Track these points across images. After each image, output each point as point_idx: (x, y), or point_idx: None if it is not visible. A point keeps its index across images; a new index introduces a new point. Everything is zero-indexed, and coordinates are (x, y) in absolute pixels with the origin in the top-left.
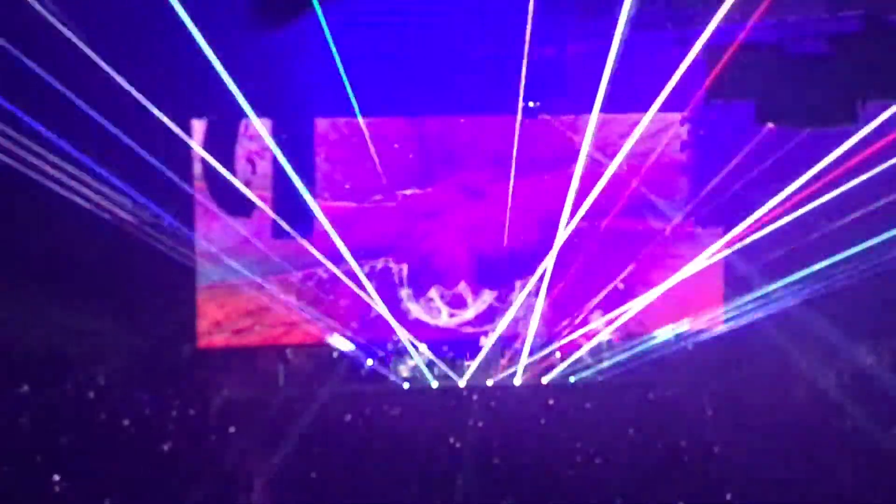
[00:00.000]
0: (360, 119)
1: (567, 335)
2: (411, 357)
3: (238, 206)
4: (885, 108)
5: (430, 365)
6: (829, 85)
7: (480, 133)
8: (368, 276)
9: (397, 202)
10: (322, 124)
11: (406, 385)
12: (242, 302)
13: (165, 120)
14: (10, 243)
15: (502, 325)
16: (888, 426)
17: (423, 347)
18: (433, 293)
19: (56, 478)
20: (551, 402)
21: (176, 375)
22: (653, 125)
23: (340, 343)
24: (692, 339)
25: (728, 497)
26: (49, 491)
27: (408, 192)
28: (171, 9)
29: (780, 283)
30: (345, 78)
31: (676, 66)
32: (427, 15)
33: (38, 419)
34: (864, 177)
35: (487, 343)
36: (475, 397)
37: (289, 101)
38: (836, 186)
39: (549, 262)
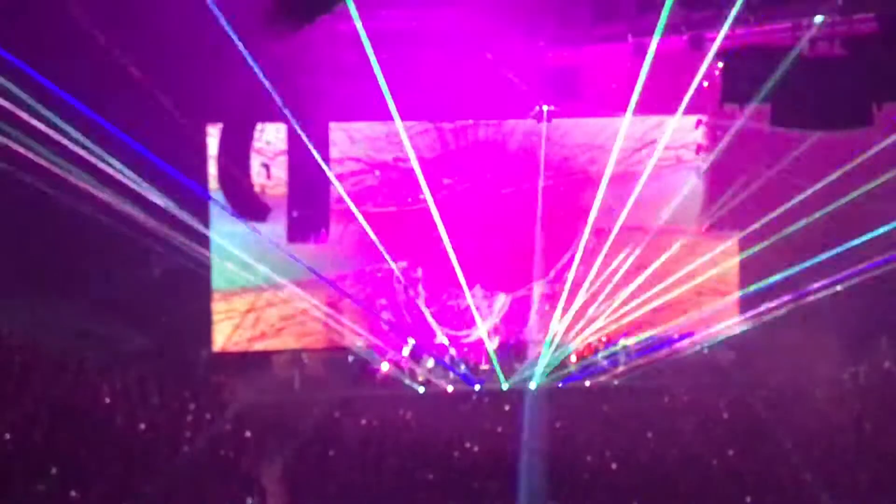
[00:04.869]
0: (375, 124)
1: (583, 339)
2: (426, 362)
3: (253, 210)
4: None
5: (445, 369)
6: (844, 88)
7: (495, 137)
8: (383, 279)
9: (413, 206)
10: (336, 129)
11: (421, 389)
12: (258, 307)
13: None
14: (26, 248)
15: (518, 328)
16: None
17: (437, 351)
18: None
19: (71, 482)
20: (567, 405)
21: (192, 380)
22: (668, 128)
23: (356, 347)
24: (708, 342)
25: (748, 500)
26: (65, 496)
27: (423, 196)
28: (187, 14)
29: (795, 286)
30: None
31: (692, 70)
32: (439, 19)
33: (53, 423)
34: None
35: (492, 347)
36: (490, 401)
37: (303, 106)
38: (851, 188)
39: (564, 266)
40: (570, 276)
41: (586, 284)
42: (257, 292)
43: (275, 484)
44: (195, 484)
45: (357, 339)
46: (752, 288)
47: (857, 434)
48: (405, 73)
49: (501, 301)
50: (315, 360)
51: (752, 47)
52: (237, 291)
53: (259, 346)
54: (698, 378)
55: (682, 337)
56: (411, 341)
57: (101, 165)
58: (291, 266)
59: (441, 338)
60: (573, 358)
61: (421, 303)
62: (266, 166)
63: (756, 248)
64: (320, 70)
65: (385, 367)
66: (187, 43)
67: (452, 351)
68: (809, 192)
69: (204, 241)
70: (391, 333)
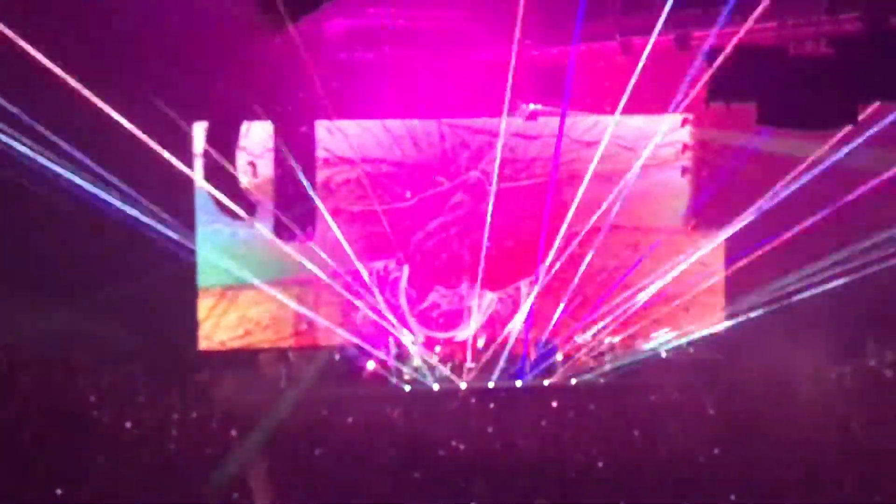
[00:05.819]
0: (361, 122)
1: (569, 337)
2: (413, 359)
3: (239, 208)
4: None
5: (431, 367)
6: (830, 87)
7: (482, 136)
8: (369, 277)
9: (399, 204)
10: (322, 126)
11: (408, 387)
12: (244, 304)
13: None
14: (12, 245)
15: (504, 327)
16: (892, 427)
17: (423, 350)
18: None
19: (57, 480)
20: (554, 403)
21: (178, 378)
22: (655, 127)
23: (342, 346)
24: (694, 341)
25: (732, 498)
26: (50, 494)
27: (409, 194)
28: (173, 10)
29: (781, 285)
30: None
31: (678, 69)
32: (426, 18)
33: (39, 422)
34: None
35: (479, 345)
36: (477, 399)
37: (290, 104)
38: (837, 187)
39: (550, 264)
40: (557, 274)
41: (573, 283)
42: (243, 290)
43: (261, 483)
44: (181, 482)
45: (341, 337)
46: (739, 286)
47: (844, 433)
48: (391, 71)
49: (488, 300)
50: (302, 358)
51: (738, 46)
52: (223, 289)
53: (245, 345)
54: (685, 376)
55: (668, 334)
56: (406, 338)
57: (86, 162)
58: (277, 264)
59: (419, 338)
60: (559, 356)
61: (404, 302)
62: (252, 164)
63: (743, 248)
64: (307, 68)
65: (371, 365)
66: (173, 41)
67: (438, 349)
68: (796, 190)
69: (189, 239)
70: (376, 332)
